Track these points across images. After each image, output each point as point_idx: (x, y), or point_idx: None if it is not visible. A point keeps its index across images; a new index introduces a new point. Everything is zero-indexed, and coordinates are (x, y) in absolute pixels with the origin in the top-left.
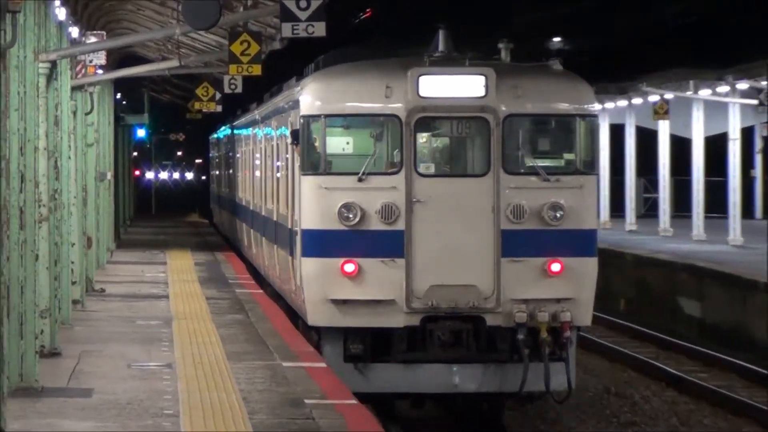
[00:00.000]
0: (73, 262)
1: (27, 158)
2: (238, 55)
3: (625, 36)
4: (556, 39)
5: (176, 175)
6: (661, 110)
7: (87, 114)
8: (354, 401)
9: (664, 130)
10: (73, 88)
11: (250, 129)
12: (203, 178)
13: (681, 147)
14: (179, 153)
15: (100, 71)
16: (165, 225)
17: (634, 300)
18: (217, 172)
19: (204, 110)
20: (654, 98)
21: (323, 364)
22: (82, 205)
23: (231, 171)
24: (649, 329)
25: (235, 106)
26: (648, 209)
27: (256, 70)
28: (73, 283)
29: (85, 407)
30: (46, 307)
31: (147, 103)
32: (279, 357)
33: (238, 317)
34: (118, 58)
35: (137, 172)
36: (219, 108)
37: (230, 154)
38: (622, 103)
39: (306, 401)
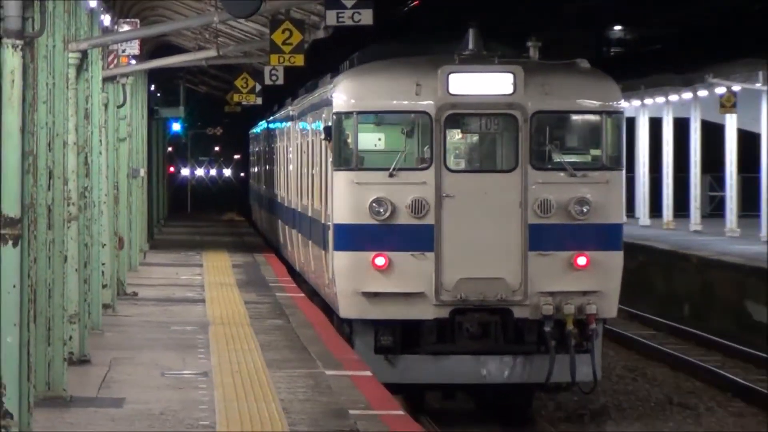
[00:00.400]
0: (103, 264)
1: (56, 154)
2: (280, 44)
3: (691, 24)
4: (617, 27)
5: (213, 172)
6: (728, 103)
7: (119, 107)
8: (401, 412)
9: (731, 124)
10: (105, 80)
11: (286, 124)
12: (242, 175)
13: (749, 142)
14: (217, 148)
15: (133, 61)
16: (201, 225)
17: (699, 305)
18: (255, 169)
19: (243, 103)
20: (720, 90)
21: (368, 373)
22: (113, 204)
23: (268, 167)
24: (715, 336)
25: (276, 99)
26: (714, 208)
27: (299, 60)
28: (104, 286)
29: (116, 418)
30: (75, 311)
31: (183, 96)
32: (322, 365)
33: (279, 323)
34: (153, 47)
35: (172, 169)
36: (259, 100)
37: (267, 149)
38: (687, 95)
39: (350, 412)
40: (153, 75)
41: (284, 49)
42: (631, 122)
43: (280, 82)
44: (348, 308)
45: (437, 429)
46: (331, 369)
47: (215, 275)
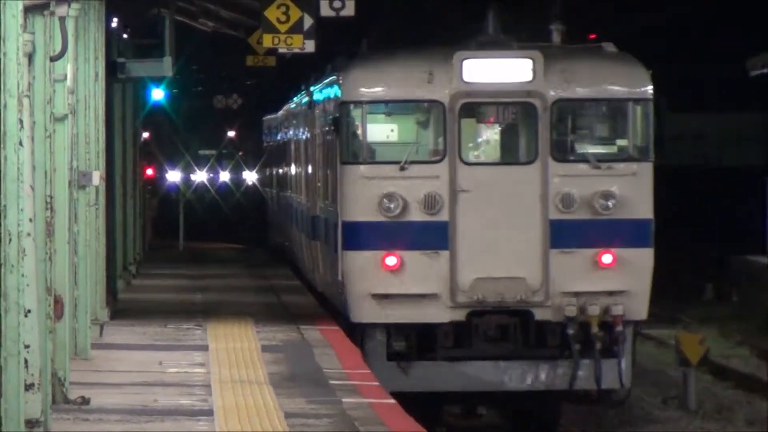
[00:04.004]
0: (27, 347)
1: None
2: None
3: None
4: None
5: (225, 176)
6: None
7: (54, 60)
8: None
9: None
10: (28, 10)
11: (306, 108)
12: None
13: None
14: (231, 133)
15: None
16: (203, 271)
17: None
18: (277, 170)
19: (281, 51)
20: None
21: None
22: (44, 238)
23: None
24: None
25: (344, 42)
26: None
27: None
28: (28, 387)
29: None
30: None
31: (170, 39)
32: None
33: None
34: None
35: (151, 171)
36: (309, 46)
37: (310, 140)
38: None
39: None
40: (115, 1)
41: None
42: None
43: (349, 12)
44: (358, 312)
45: None
46: None
47: (231, 366)
